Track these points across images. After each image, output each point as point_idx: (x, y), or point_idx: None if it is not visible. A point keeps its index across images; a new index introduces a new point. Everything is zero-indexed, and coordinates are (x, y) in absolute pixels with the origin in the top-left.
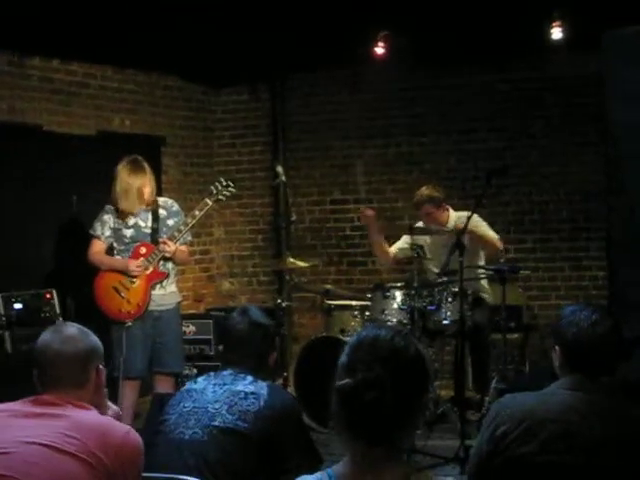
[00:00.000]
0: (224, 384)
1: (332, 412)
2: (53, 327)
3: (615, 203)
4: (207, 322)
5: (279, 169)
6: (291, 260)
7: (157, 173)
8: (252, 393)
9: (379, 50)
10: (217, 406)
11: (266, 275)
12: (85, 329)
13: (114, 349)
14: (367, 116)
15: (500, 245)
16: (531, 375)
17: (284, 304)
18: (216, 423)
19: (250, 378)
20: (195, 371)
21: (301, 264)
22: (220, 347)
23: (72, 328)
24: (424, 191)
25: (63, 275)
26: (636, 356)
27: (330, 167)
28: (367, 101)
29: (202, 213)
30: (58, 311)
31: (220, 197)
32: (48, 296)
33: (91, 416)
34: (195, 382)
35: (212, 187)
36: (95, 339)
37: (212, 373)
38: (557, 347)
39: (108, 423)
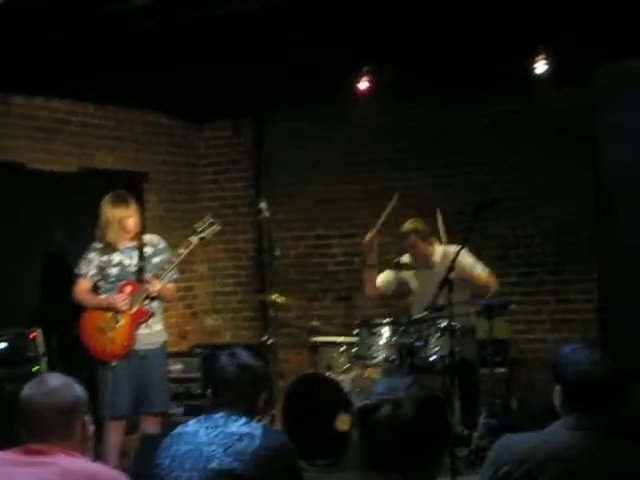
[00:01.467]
0: (217, 426)
1: (353, 447)
2: (37, 379)
3: (605, 238)
4: (193, 360)
5: (262, 205)
6: (276, 296)
7: (139, 210)
8: (247, 434)
9: (362, 85)
10: (212, 448)
11: (250, 311)
12: (69, 380)
13: (100, 389)
14: (351, 151)
15: (492, 282)
16: (521, 411)
17: (270, 341)
18: (213, 465)
19: (243, 419)
20: (182, 410)
21: (286, 300)
22: (209, 391)
23: (56, 380)
24: (409, 223)
25: (48, 314)
26: (632, 392)
27: (314, 202)
28: (350, 136)
29: (187, 251)
30: (42, 351)
31: (205, 235)
32: (32, 335)
33: (81, 463)
34: (186, 425)
35: (196, 225)
36: (79, 391)
37: (203, 416)
38: (557, 386)
39: (99, 470)
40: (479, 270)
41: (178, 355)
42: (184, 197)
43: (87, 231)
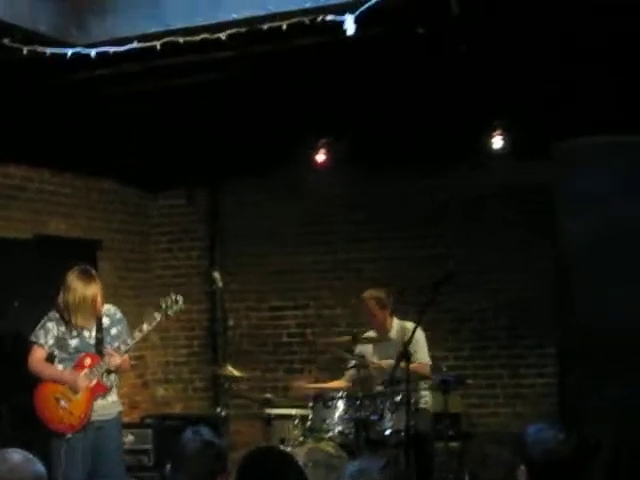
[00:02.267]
0: None
1: None
2: None
3: (564, 314)
4: (145, 431)
5: (216, 275)
6: (230, 369)
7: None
8: None
9: (320, 157)
10: None
11: (202, 381)
12: (29, 456)
13: (53, 461)
14: (306, 222)
15: (427, 373)
16: None
17: (223, 413)
18: None
19: None
20: None
21: (240, 374)
22: (168, 466)
23: (17, 455)
24: (370, 291)
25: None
26: (593, 467)
27: (268, 274)
28: (306, 207)
29: (151, 328)
30: None
31: (169, 312)
32: None
33: None
34: None
35: (162, 301)
36: (41, 467)
37: None
38: (522, 466)
39: None
40: (421, 356)
41: (130, 426)
42: (138, 266)
43: (41, 298)
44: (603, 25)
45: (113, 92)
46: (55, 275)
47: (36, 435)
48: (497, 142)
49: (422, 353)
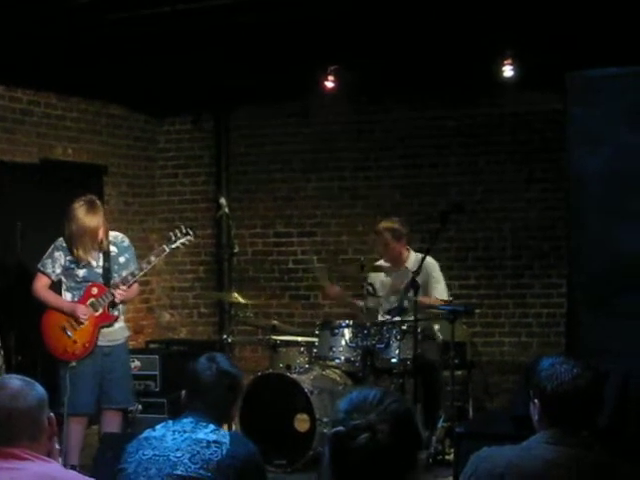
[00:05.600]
0: (184, 432)
1: (322, 468)
2: None
3: (576, 245)
4: (153, 357)
5: (222, 201)
6: (235, 295)
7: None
8: (214, 442)
9: (329, 84)
10: (179, 454)
11: (207, 307)
12: (28, 379)
13: (61, 387)
14: (312, 149)
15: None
16: (488, 418)
17: (229, 339)
18: (178, 472)
19: (212, 426)
20: (140, 407)
21: (245, 300)
22: (183, 392)
23: (17, 382)
24: (385, 222)
25: (4, 307)
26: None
27: (274, 200)
28: (313, 134)
29: (158, 259)
30: None
31: (178, 245)
32: None
33: (54, 470)
34: (153, 430)
35: (171, 233)
36: (41, 389)
37: (170, 421)
38: (536, 400)
39: (73, 477)
40: (440, 291)
41: (135, 352)
42: (143, 191)
43: (47, 223)
44: None
45: (119, 16)
46: (61, 200)
47: (39, 359)
48: (507, 71)
49: (441, 288)
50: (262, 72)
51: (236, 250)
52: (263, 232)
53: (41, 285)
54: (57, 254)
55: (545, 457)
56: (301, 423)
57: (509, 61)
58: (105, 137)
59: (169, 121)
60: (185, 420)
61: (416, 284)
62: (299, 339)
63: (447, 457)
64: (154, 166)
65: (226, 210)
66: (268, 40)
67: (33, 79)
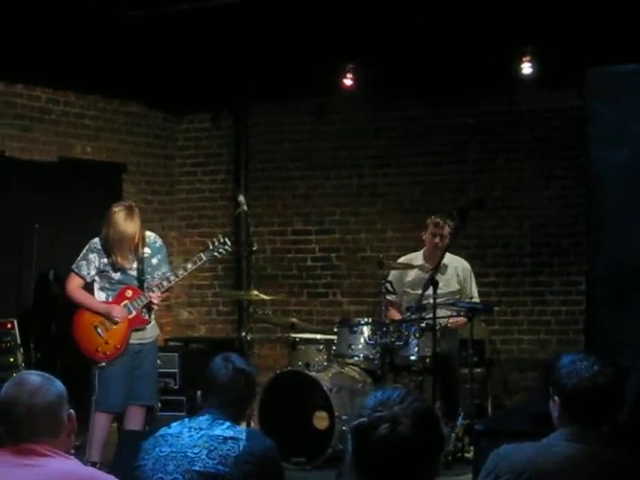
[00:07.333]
0: (200, 429)
1: (343, 465)
2: (16, 379)
3: (597, 241)
4: (172, 355)
5: (241, 198)
6: (254, 292)
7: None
8: (231, 438)
9: (347, 81)
10: (196, 451)
11: (226, 305)
12: (48, 375)
13: (92, 386)
14: (331, 147)
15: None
16: (507, 415)
17: (248, 337)
18: (196, 468)
19: (228, 423)
20: (159, 405)
21: (264, 297)
22: (199, 393)
23: (36, 377)
24: (440, 216)
25: (24, 305)
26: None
27: (292, 197)
28: (332, 132)
29: (195, 267)
30: (19, 341)
31: (215, 254)
32: (9, 326)
33: (74, 466)
34: (169, 427)
35: (209, 242)
36: (60, 385)
37: (187, 418)
38: (556, 397)
39: (92, 474)
40: (475, 291)
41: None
42: (162, 189)
43: (65, 221)
44: None
45: (137, 13)
46: (80, 198)
47: (58, 356)
48: (526, 69)
49: (475, 290)
50: (281, 70)
51: (255, 248)
52: (282, 230)
53: (75, 286)
54: (92, 256)
55: (565, 454)
56: (320, 421)
57: (528, 58)
58: (124, 135)
59: (188, 119)
60: (201, 418)
61: (435, 282)
62: (318, 337)
63: (466, 454)
64: (173, 164)
65: (245, 208)
66: (287, 38)
67: (52, 77)
